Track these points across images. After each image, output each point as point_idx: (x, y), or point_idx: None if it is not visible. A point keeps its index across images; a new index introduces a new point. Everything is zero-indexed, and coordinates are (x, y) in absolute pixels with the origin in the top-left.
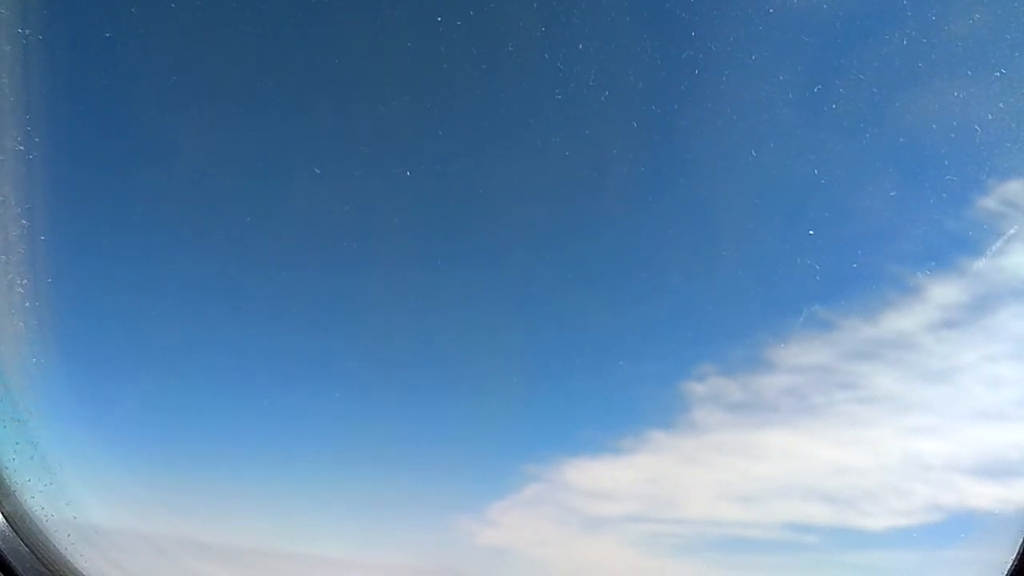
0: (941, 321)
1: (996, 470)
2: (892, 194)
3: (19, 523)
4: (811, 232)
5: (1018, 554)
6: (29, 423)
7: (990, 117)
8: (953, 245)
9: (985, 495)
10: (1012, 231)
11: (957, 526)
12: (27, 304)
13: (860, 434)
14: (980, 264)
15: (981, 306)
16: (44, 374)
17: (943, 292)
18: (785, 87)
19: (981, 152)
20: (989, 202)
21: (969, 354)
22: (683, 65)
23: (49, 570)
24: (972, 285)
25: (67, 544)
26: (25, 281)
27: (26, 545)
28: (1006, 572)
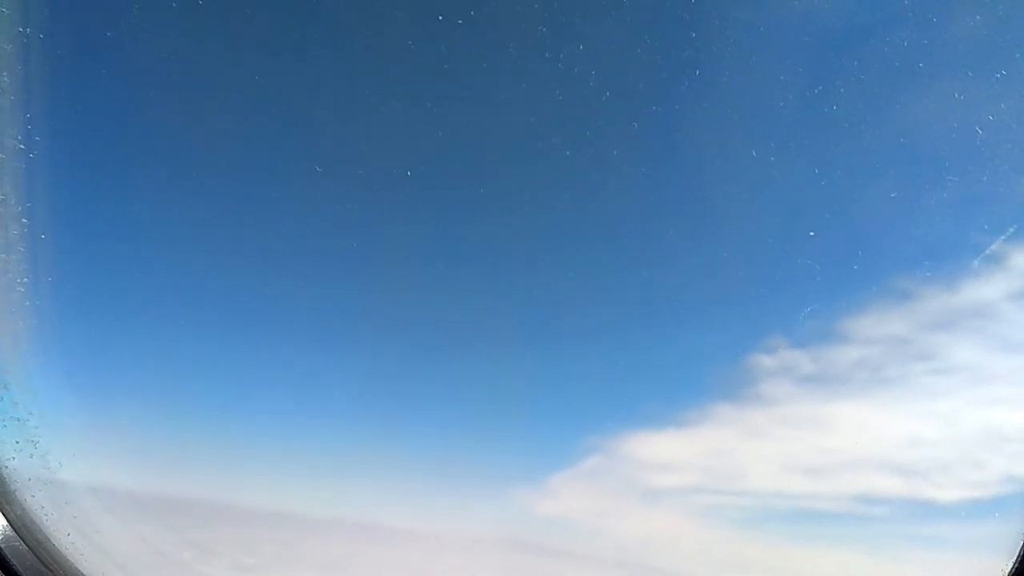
0: (1022, 290)
1: None
2: (974, 166)
3: (23, 528)
4: (893, 195)
5: (1019, 556)
6: (29, 422)
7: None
8: None
9: None
10: None
11: None
12: (27, 303)
13: (935, 405)
14: None
15: None
16: (42, 363)
17: None
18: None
19: None
20: None
21: None
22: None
23: (54, 574)
24: None
25: (70, 546)
26: (25, 280)
27: (31, 550)
28: (1008, 572)
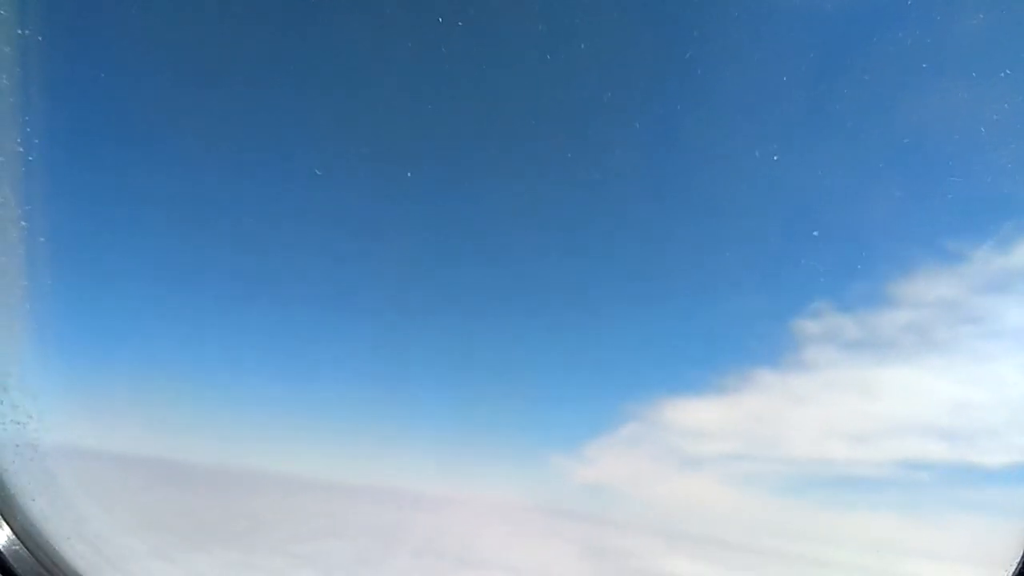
0: None
1: None
2: None
3: (29, 538)
4: (945, 155)
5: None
6: (28, 426)
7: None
8: None
9: None
10: None
11: None
12: (26, 305)
13: (984, 369)
14: None
15: None
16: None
17: None
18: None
19: None
20: None
21: None
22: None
23: None
24: None
25: (74, 553)
26: (25, 282)
27: (37, 561)
28: (1012, 572)
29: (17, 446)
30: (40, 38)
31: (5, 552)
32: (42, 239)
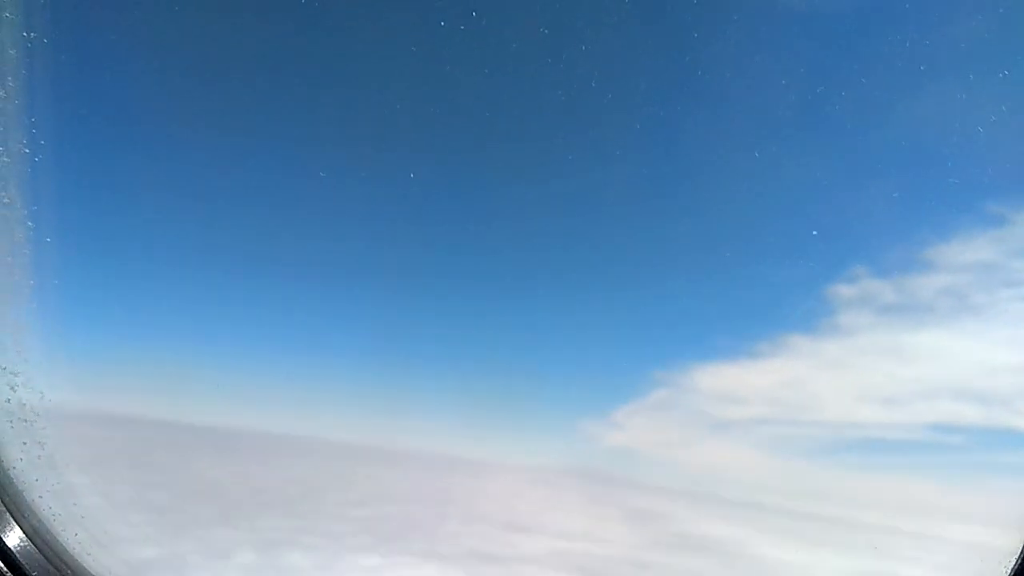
0: None
1: None
2: None
3: (39, 539)
4: (985, 118)
5: (1021, 555)
6: (35, 423)
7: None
8: None
9: None
10: None
11: None
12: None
13: (1021, 333)
14: None
15: None
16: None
17: None
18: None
19: None
20: None
21: None
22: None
23: None
24: None
25: (79, 547)
26: (32, 282)
27: (48, 560)
28: (1010, 571)
29: (24, 443)
30: (45, 40)
31: (17, 552)
32: (48, 239)
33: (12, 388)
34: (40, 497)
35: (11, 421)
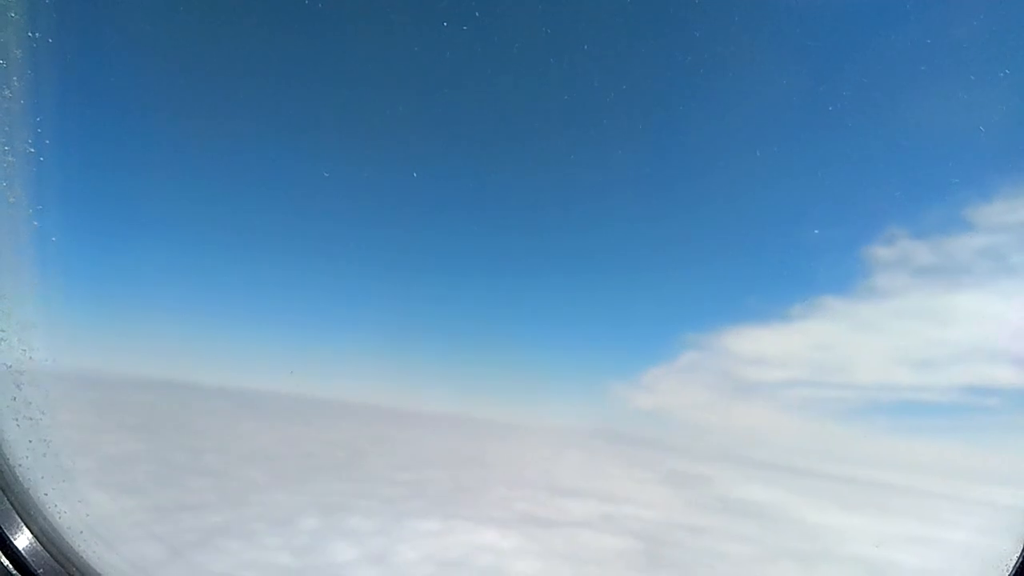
0: None
1: None
2: None
3: (48, 540)
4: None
5: (1021, 556)
6: (42, 421)
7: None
8: None
9: None
10: None
11: None
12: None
13: None
14: None
15: None
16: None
17: None
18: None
19: None
20: None
21: None
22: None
23: None
24: None
25: (92, 553)
26: (36, 282)
27: (57, 562)
28: (1011, 571)
29: (30, 441)
30: (50, 40)
31: (26, 554)
32: (54, 239)
33: (18, 386)
34: (46, 495)
35: (16, 420)
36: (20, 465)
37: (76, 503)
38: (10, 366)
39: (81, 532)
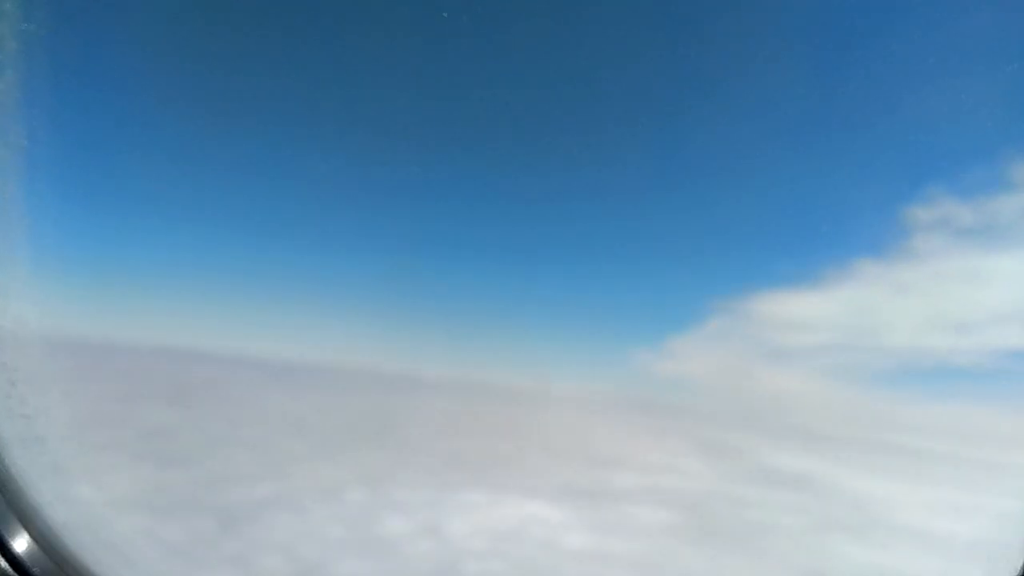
0: None
1: None
2: None
3: (48, 544)
4: None
5: None
6: (37, 420)
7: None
8: None
9: None
10: None
11: None
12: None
13: None
14: None
15: None
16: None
17: None
18: None
19: None
20: None
21: None
22: None
23: None
24: None
25: (90, 555)
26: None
27: (56, 565)
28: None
29: (25, 441)
30: (43, 32)
31: (26, 559)
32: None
33: (12, 384)
34: (41, 495)
35: (11, 418)
36: (15, 467)
37: (72, 501)
38: (4, 362)
39: (79, 533)
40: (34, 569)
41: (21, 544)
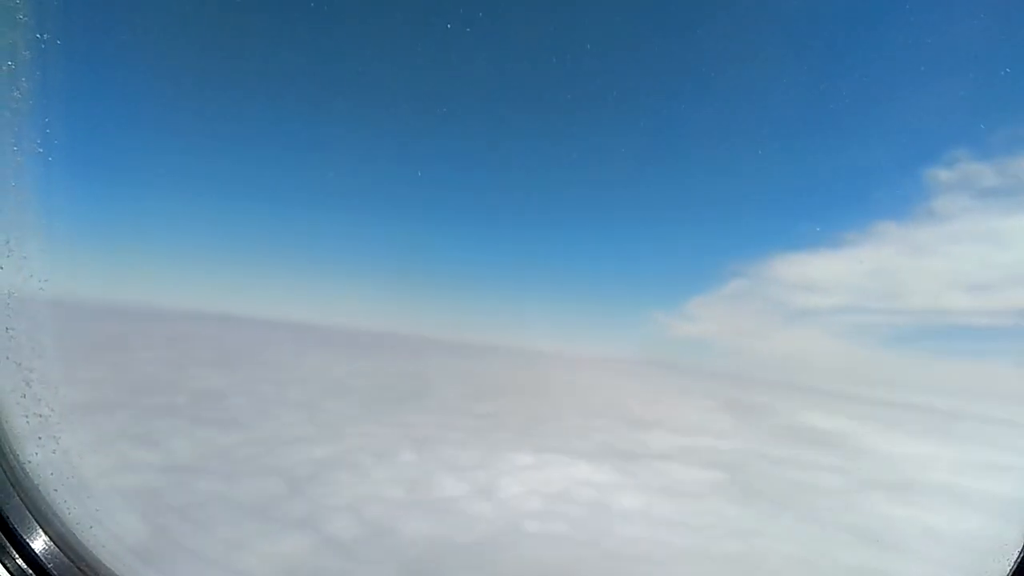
0: None
1: None
2: None
3: (65, 543)
4: None
5: (1019, 557)
6: (51, 418)
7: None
8: None
9: None
10: None
11: None
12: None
13: None
14: None
15: None
16: None
17: None
18: None
19: None
20: None
21: None
22: None
23: None
24: None
25: (106, 552)
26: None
27: (74, 564)
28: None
29: (40, 438)
30: (58, 42)
31: (43, 558)
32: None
33: (27, 384)
34: (55, 491)
35: (27, 416)
36: (30, 462)
37: (85, 500)
38: (19, 362)
39: (91, 527)
40: (52, 568)
41: (39, 544)
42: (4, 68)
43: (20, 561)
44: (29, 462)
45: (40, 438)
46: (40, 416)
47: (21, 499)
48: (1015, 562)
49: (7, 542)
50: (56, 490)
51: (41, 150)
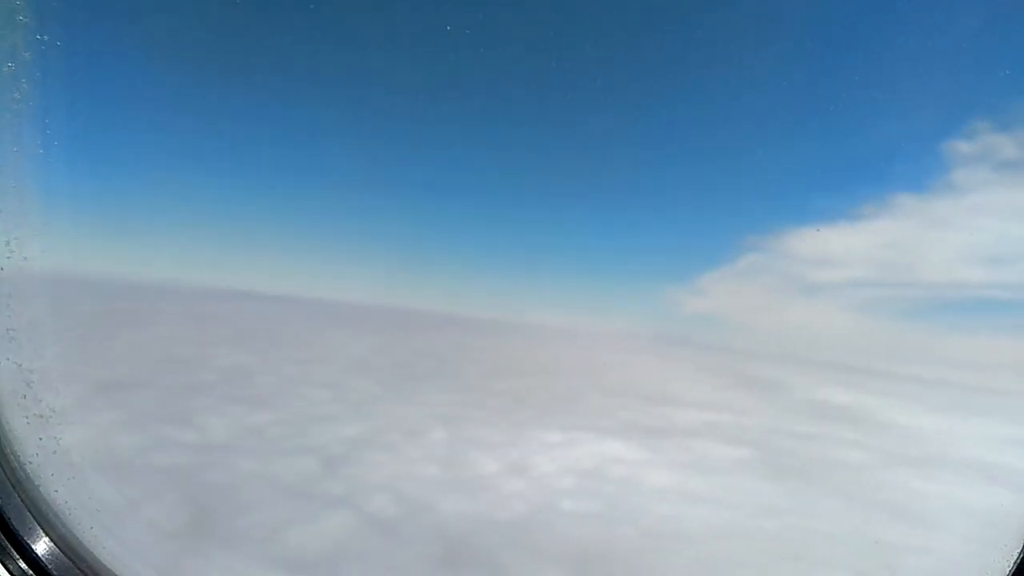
0: None
1: None
2: None
3: (69, 548)
4: None
5: (1019, 557)
6: (51, 419)
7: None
8: None
9: None
10: None
11: None
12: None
13: None
14: None
15: None
16: None
17: None
18: None
19: None
20: None
21: None
22: None
23: None
24: None
25: (108, 553)
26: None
27: (76, 566)
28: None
29: (40, 439)
30: (58, 43)
31: (45, 559)
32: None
33: (28, 385)
34: (56, 492)
35: (27, 417)
36: (30, 463)
37: (86, 499)
38: (20, 363)
39: (91, 528)
40: (53, 569)
41: (41, 545)
42: (4, 69)
43: (22, 563)
44: (30, 463)
45: (41, 438)
46: (41, 417)
47: (22, 500)
48: (1015, 562)
49: (8, 544)
50: (57, 491)
51: (41, 151)
